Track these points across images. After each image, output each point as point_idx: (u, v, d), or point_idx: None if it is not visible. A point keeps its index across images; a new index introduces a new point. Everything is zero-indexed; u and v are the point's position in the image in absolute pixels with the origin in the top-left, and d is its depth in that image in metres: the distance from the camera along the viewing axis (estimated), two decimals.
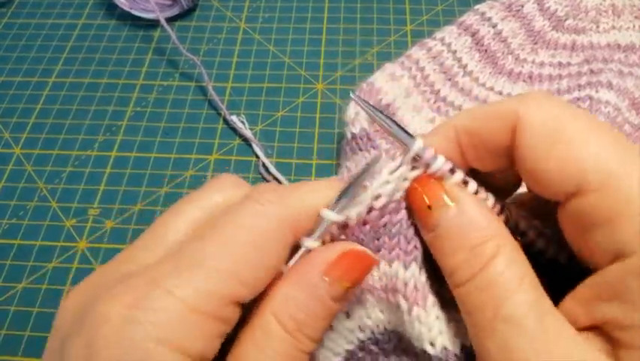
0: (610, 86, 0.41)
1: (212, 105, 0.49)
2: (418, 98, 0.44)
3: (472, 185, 0.21)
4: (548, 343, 0.18)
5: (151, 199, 0.44)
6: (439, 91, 0.44)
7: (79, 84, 0.51)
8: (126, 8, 0.54)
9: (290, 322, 0.20)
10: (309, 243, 0.21)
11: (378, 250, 0.22)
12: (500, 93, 0.45)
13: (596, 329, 0.19)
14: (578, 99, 0.41)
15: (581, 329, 0.19)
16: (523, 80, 0.45)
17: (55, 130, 0.48)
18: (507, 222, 0.22)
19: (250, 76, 0.51)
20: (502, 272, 0.19)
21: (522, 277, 0.19)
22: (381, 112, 0.23)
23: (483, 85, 0.45)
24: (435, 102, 0.44)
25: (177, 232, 0.21)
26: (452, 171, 0.21)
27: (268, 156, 0.45)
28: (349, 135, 0.40)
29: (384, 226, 0.22)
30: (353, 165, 0.39)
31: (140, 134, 0.48)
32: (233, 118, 0.47)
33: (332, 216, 0.21)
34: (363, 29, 0.54)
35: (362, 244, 0.22)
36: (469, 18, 0.47)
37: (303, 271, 0.20)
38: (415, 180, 0.22)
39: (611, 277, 0.18)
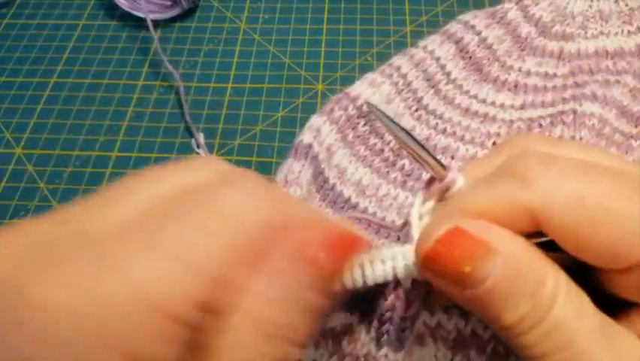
0: (594, 97, 0.41)
1: (213, 106, 0.49)
2: (400, 105, 0.43)
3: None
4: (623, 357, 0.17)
5: None
6: (421, 98, 0.44)
7: (80, 85, 0.52)
8: (127, 9, 0.54)
9: (268, 326, 0.16)
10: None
11: None
12: (484, 101, 0.44)
13: None
14: (562, 113, 0.40)
15: None
16: (508, 89, 0.45)
17: (57, 130, 0.48)
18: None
19: (250, 76, 0.52)
20: (564, 310, 0.17)
21: (581, 309, 0.18)
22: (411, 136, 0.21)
23: (467, 93, 0.44)
24: (417, 110, 0.43)
25: (142, 200, 0.17)
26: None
27: (268, 156, 0.46)
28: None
29: None
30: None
31: (141, 134, 0.48)
32: (195, 138, 0.47)
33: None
34: (363, 30, 0.55)
35: None
36: (453, 27, 0.47)
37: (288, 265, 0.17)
38: (438, 240, 0.18)
39: None
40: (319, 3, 0.57)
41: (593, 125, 0.39)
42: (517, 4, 0.48)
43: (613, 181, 0.17)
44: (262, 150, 0.46)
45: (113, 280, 0.14)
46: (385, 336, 0.26)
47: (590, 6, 0.48)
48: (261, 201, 0.17)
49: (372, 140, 0.41)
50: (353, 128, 0.41)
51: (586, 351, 0.17)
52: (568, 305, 0.17)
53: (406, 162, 0.40)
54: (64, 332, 0.13)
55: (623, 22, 0.47)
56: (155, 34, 0.51)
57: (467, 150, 0.41)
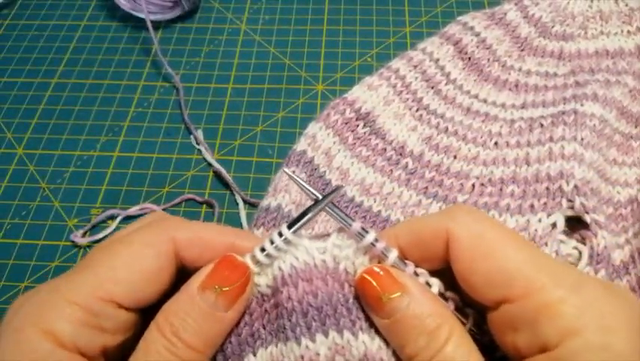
0: (595, 98, 0.41)
1: (214, 106, 0.50)
2: (400, 106, 0.43)
3: (422, 278, 0.24)
4: None
5: (152, 199, 0.44)
6: (421, 99, 0.44)
7: (81, 85, 0.52)
8: (128, 10, 0.54)
9: (166, 326, 0.22)
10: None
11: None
12: (485, 101, 0.44)
13: None
14: (563, 113, 0.40)
15: None
16: (509, 89, 0.45)
17: (58, 130, 0.49)
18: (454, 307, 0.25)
19: (251, 77, 0.52)
20: (454, 352, 0.22)
21: (469, 354, 0.22)
22: (336, 206, 0.26)
23: (467, 93, 0.44)
24: (417, 110, 0.43)
25: None
26: (403, 262, 0.24)
27: (268, 156, 0.46)
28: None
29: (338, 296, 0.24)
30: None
31: (142, 134, 0.48)
32: (193, 135, 0.47)
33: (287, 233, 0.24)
34: (363, 31, 0.55)
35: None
36: (451, 28, 0.47)
37: (185, 286, 0.24)
38: (366, 271, 0.24)
39: None
40: (319, 4, 0.57)
41: (594, 125, 0.39)
42: (516, 4, 0.48)
43: (514, 236, 0.23)
44: (262, 151, 0.46)
45: (45, 290, 0.23)
46: None
47: (590, 6, 0.48)
48: (161, 231, 0.25)
49: (374, 140, 0.41)
50: (352, 131, 0.41)
51: None
52: (459, 348, 0.22)
53: (409, 161, 0.40)
54: (10, 325, 0.22)
55: (623, 22, 0.48)
56: (156, 36, 0.51)
57: (469, 149, 0.41)
